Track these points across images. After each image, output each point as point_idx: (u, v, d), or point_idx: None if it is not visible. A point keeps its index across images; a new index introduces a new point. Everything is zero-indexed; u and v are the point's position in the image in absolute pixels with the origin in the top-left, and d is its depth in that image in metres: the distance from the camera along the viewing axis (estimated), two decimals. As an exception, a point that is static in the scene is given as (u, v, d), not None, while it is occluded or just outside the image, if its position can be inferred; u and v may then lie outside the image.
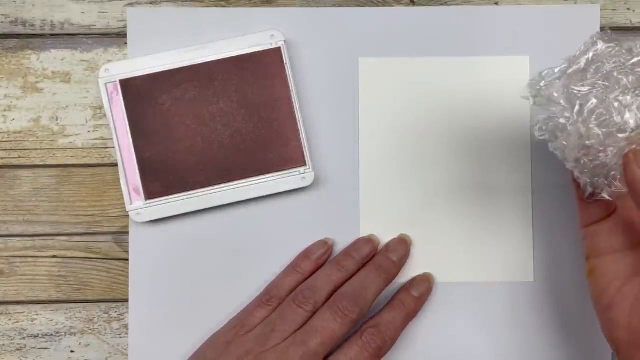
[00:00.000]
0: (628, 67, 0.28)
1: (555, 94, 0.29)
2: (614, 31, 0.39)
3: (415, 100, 0.39)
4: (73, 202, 0.39)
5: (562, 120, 0.29)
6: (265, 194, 0.38)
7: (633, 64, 0.28)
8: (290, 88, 0.38)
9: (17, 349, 0.39)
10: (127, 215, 0.38)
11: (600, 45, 0.29)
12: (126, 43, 0.39)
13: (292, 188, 0.38)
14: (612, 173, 0.29)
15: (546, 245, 0.39)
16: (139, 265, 0.38)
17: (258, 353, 0.33)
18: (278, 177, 0.38)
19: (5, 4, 0.39)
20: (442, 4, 0.39)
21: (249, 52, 0.38)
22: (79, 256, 0.39)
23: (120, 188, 0.38)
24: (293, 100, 0.38)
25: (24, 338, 0.39)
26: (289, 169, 0.38)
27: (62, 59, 0.39)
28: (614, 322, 0.31)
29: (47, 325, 0.39)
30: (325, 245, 0.38)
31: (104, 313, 0.39)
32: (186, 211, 0.38)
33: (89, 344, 0.39)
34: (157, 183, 0.38)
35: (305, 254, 0.38)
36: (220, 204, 0.38)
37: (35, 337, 0.39)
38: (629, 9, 0.39)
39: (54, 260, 0.39)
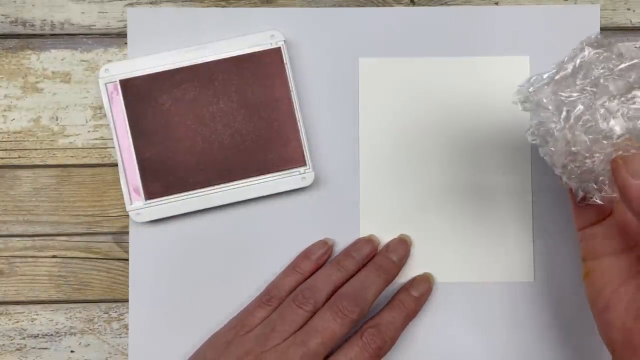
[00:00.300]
0: (616, 73, 0.28)
1: (544, 100, 0.29)
2: (614, 31, 0.39)
3: (415, 100, 0.39)
4: (73, 202, 0.39)
5: (551, 126, 0.29)
6: (265, 194, 0.38)
7: (621, 69, 0.28)
8: (290, 88, 0.38)
9: (17, 349, 0.39)
10: (127, 215, 0.38)
11: (588, 52, 0.28)
12: (126, 43, 0.39)
13: (292, 188, 0.38)
14: (601, 178, 0.29)
15: (546, 245, 0.39)
16: (139, 265, 0.38)
17: (258, 353, 0.33)
18: (278, 177, 0.38)
19: (5, 4, 0.39)
20: (442, 4, 0.39)
21: (249, 52, 0.38)
22: (79, 256, 0.39)
23: (120, 188, 0.38)
24: (293, 100, 0.38)
25: (24, 338, 0.39)
26: (289, 169, 0.38)
27: (62, 59, 0.39)
28: (609, 323, 0.31)
29: (47, 325, 0.39)
30: (325, 245, 0.38)
31: (104, 313, 0.39)
32: (186, 211, 0.38)
33: (89, 344, 0.39)
34: (157, 183, 0.38)
35: (305, 254, 0.38)
36: (220, 204, 0.38)
37: (35, 337, 0.39)
38: (629, 9, 0.39)
39: (54, 260, 0.39)
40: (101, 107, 0.39)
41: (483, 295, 0.39)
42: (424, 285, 0.38)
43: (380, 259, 0.37)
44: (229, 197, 0.38)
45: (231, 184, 0.38)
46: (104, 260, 0.39)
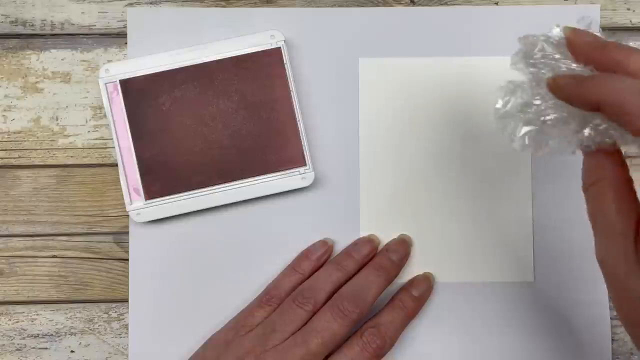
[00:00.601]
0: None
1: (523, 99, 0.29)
2: (614, 31, 0.39)
3: (415, 100, 0.39)
4: (73, 202, 0.39)
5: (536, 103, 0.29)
6: (265, 194, 0.38)
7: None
8: (290, 88, 0.38)
9: (17, 349, 0.39)
10: (127, 215, 0.38)
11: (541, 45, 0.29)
12: (126, 43, 0.39)
13: (292, 188, 0.38)
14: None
15: (546, 245, 0.39)
16: (139, 265, 0.38)
17: (258, 353, 0.33)
18: (278, 177, 0.38)
19: (5, 4, 0.39)
20: (442, 4, 0.39)
21: (249, 52, 0.38)
22: (79, 256, 0.39)
23: (120, 188, 0.38)
24: (293, 100, 0.38)
25: (24, 338, 0.39)
26: (289, 169, 0.38)
27: (62, 59, 0.39)
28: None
29: (47, 325, 0.39)
30: (325, 246, 0.38)
31: (104, 313, 0.39)
32: (186, 211, 0.38)
33: (89, 344, 0.39)
34: (157, 183, 0.38)
35: (305, 254, 0.38)
36: (220, 204, 0.38)
37: (35, 337, 0.39)
38: (629, 9, 0.39)
39: (54, 260, 0.39)
40: (101, 107, 0.39)
41: (483, 295, 0.39)
42: (424, 285, 0.38)
43: (380, 259, 0.37)
44: (229, 197, 0.38)
45: (231, 184, 0.38)
46: (104, 260, 0.39)
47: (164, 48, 0.38)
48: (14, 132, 0.39)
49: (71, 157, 0.39)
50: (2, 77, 0.39)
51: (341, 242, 0.39)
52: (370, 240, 0.38)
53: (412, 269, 0.39)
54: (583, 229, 0.34)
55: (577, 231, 0.38)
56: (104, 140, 0.39)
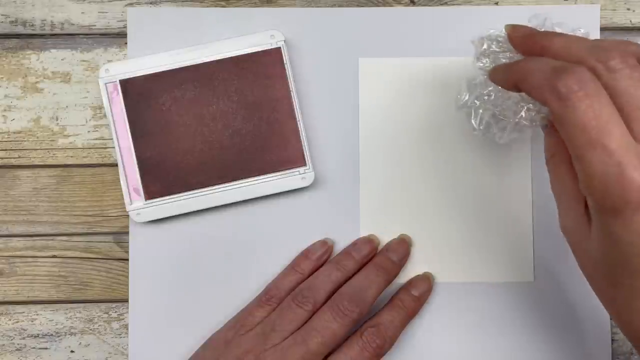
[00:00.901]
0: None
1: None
2: (614, 31, 0.39)
3: (415, 100, 0.39)
4: (73, 202, 0.39)
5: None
6: (265, 194, 0.38)
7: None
8: (290, 88, 0.38)
9: (17, 349, 0.39)
10: (127, 215, 0.38)
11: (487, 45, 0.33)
12: (126, 43, 0.39)
13: (292, 188, 0.38)
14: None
15: (546, 245, 0.39)
16: (139, 265, 0.38)
17: (258, 353, 0.33)
18: (278, 177, 0.38)
19: (5, 4, 0.39)
20: (442, 4, 0.39)
21: (249, 52, 0.38)
22: (79, 256, 0.39)
23: (120, 188, 0.38)
24: (293, 100, 0.38)
25: (24, 338, 0.39)
26: (289, 169, 0.38)
27: (62, 59, 0.39)
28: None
29: (47, 325, 0.39)
30: (325, 245, 0.38)
31: (104, 313, 0.39)
32: (186, 211, 0.38)
33: (89, 344, 0.39)
34: (157, 183, 0.38)
35: (305, 254, 0.38)
36: (220, 204, 0.38)
37: (35, 337, 0.39)
38: (629, 9, 0.39)
39: (54, 260, 0.39)
40: (101, 107, 0.39)
41: (483, 295, 0.38)
42: (424, 285, 0.38)
43: (380, 258, 0.37)
44: (229, 197, 0.38)
45: (231, 184, 0.38)
46: (104, 260, 0.39)
47: (164, 48, 0.38)
48: (14, 132, 0.39)
49: (71, 157, 0.39)
50: (2, 77, 0.39)
51: (341, 242, 0.39)
52: (370, 240, 0.38)
53: (412, 269, 0.39)
54: (583, 229, 0.34)
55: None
56: (104, 140, 0.39)
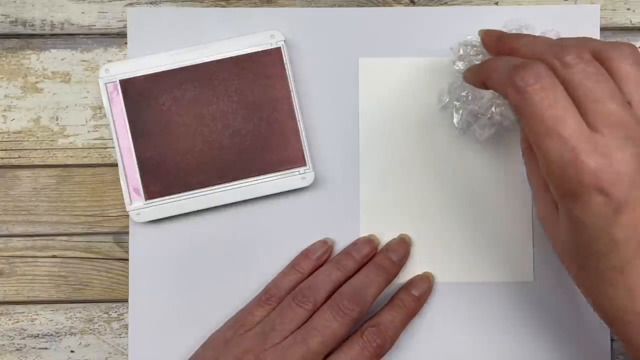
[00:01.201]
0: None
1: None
2: (614, 31, 0.39)
3: (415, 100, 0.39)
4: (73, 202, 0.39)
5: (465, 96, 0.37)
6: (265, 194, 0.38)
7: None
8: (290, 88, 0.38)
9: (17, 349, 0.39)
10: (127, 215, 0.38)
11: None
12: (126, 43, 0.39)
13: (292, 188, 0.38)
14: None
15: (546, 245, 0.39)
16: (139, 265, 0.38)
17: (258, 352, 0.33)
18: (278, 177, 0.38)
19: (5, 4, 0.39)
20: (442, 4, 0.39)
21: (249, 52, 0.38)
22: (79, 256, 0.39)
23: (120, 188, 0.38)
24: (293, 100, 0.38)
25: (24, 338, 0.39)
26: (289, 169, 0.38)
27: (62, 59, 0.39)
28: None
29: (47, 325, 0.39)
30: (325, 245, 0.38)
31: (104, 313, 0.39)
32: (186, 211, 0.38)
33: (89, 344, 0.39)
34: (157, 183, 0.38)
35: (305, 254, 0.38)
36: (220, 204, 0.38)
37: (35, 337, 0.39)
38: (629, 9, 0.39)
39: (54, 260, 0.39)
40: (101, 107, 0.39)
41: (483, 295, 0.39)
42: (424, 285, 0.38)
43: (380, 258, 0.37)
44: (229, 197, 0.38)
45: (231, 184, 0.38)
46: (104, 260, 0.39)
47: (164, 48, 0.38)
48: (14, 132, 0.39)
49: (71, 157, 0.39)
50: (2, 77, 0.39)
51: (341, 242, 0.39)
52: (370, 240, 0.38)
53: (412, 269, 0.39)
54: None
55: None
56: (104, 140, 0.39)
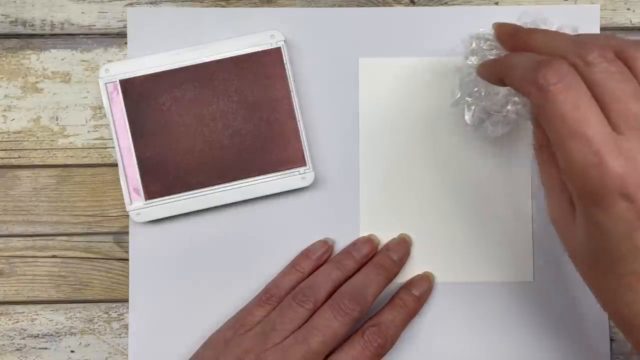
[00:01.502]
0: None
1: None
2: (614, 31, 0.39)
3: (415, 100, 0.39)
4: (73, 202, 0.39)
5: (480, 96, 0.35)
6: (265, 194, 0.38)
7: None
8: (290, 88, 0.38)
9: (17, 349, 0.39)
10: (127, 215, 0.38)
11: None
12: (126, 43, 0.39)
13: (292, 188, 0.38)
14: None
15: (546, 245, 0.39)
16: (139, 265, 0.38)
17: (258, 352, 0.33)
18: (278, 177, 0.38)
19: (5, 4, 0.39)
20: (442, 4, 0.39)
21: (249, 52, 0.38)
22: (79, 256, 0.39)
23: (120, 188, 0.38)
24: (293, 100, 0.38)
25: (24, 338, 0.39)
26: (289, 169, 0.38)
27: (62, 59, 0.39)
28: None
29: (47, 325, 0.39)
30: (325, 245, 0.38)
31: (104, 313, 0.39)
32: (186, 211, 0.38)
33: (89, 344, 0.39)
34: (157, 183, 0.38)
35: (305, 254, 0.38)
36: (220, 204, 0.38)
37: (35, 337, 0.39)
38: (629, 9, 0.40)
39: (54, 260, 0.39)
40: (101, 107, 0.39)
41: (483, 295, 0.39)
42: (424, 285, 0.38)
43: (380, 257, 0.37)
44: (229, 197, 0.38)
45: (231, 184, 0.38)
46: (104, 260, 0.39)
47: (164, 48, 0.38)
48: (14, 132, 0.39)
49: (71, 157, 0.39)
50: (2, 77, 0.39)
51: (341, 242, 0.39)
52: (370, 240, 0.38)
53: (412, 269, 0.39)
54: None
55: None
56: (104, 140, 0.39)
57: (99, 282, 0.39)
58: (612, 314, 0.30)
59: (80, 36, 0.39)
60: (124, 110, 0.38)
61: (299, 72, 0.39)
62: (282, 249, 0.38)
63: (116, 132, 0.38)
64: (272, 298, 0.36)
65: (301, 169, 0.38)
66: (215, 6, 0.39)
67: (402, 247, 0.38)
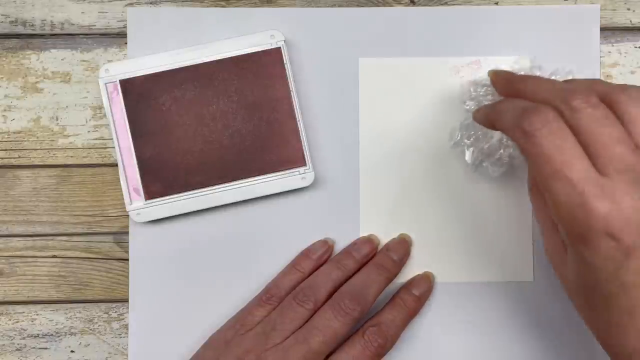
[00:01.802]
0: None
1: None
2: (614, 31, 0.39)
3: (415, 100, 0.39)
4: (73, 202, 0.39)
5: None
6: (265, 194, 0.38)
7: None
8: (290, 88, 0.38)
9: (17, 349, 0.39)
10: (127, 215, 0.38)
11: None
12: (126, 43, 0.39)
13: (292, 188, 0.38)
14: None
15: (546, 245, 0.39)
16: (139, 265, 0.38)
17: (259, 352, 0.33)
18: (278, 177, 0.38)
19: (5, 4, 0.39)
20: (442, 4, 0.39)
21: (249, 52, 0.38)
22: (79, 256, 0.39)
23: (120, 188, 0.38)
24: (293, 100, 0.38)
25: (24, 338, 0.39)
26: (289, 169, 0.38)
27: (62, 59, 0.39)
28: None
29: (47, 325, 0.39)
30: (326, 245, 0.38)
31: (104, 313, 0.39)
32: (186, 211, 0.38)
33: (89, 344, 0.39)
34: (157, 183, 0.38)
35: (306, 254, 0.38)
36: (220, 204, 0.38)
37: (35, 337, 0.39)
38: (629, 9, 0.40)
39: (54, 260, 0.39)
40: (101, 107, 0.39)
41: (483, 295, 0.39)
42: (424, 284, 0.38)
43: (380, 257, 0.37)
44: (229, 197, 0.38)
45: (231, 184, 0.38)
46: (104, 260, 0.39)
47: (164, 48, 0.38)
48: (14, 132, 0.39)
49: (71, 157, 0.39)
50: (2, 77, 0.39)
51: (341, 242, 0.39)
52: (370, 240, 0.38)
53: (412, 269, 0.39)
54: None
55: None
56: (104, 140, 0.39)
57: (99, 282, 0.39)
58: (606, 348, 0.30)
59: (80, 36, 0.39)
60: (124, 110, 0.38)
61: (299, 72, 0.39)
62: (282, 249, 0.38)
63: (116, 132, 0.38)
64: (272, 298, 0.36)
65: (301, 169, 0.38)
66: (215, 6, 0.39)
67: (402, 247, 0.38)
